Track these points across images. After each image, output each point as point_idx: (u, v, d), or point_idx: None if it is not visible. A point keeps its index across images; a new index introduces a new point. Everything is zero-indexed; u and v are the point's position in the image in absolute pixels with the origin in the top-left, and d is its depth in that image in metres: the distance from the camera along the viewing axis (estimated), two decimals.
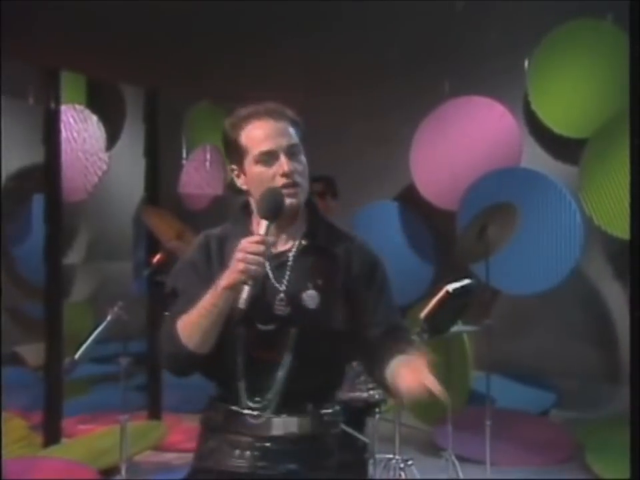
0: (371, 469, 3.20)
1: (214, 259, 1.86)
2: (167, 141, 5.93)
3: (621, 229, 4.87)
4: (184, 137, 6.69)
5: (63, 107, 5.09)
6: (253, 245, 1.68)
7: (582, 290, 5.50)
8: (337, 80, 5.94)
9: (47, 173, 4.87)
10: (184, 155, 6.67)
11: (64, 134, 5.17)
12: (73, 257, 6.27)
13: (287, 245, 1.88)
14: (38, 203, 5.18)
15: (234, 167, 1.86)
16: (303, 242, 1.87)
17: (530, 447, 4.77)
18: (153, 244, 4.97)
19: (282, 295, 1.81)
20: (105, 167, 6.10)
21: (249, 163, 1.82)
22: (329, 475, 1.83)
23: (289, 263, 1.84)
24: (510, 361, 5.39)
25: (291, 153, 1.81)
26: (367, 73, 5.90)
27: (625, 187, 4.96)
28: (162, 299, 4.24)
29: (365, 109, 5.80)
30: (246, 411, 1.82)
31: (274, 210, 1.76)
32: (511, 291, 5.34)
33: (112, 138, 6.23)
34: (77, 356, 3.31)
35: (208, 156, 6.78)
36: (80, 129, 5.91)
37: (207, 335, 1.76)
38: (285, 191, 1.80)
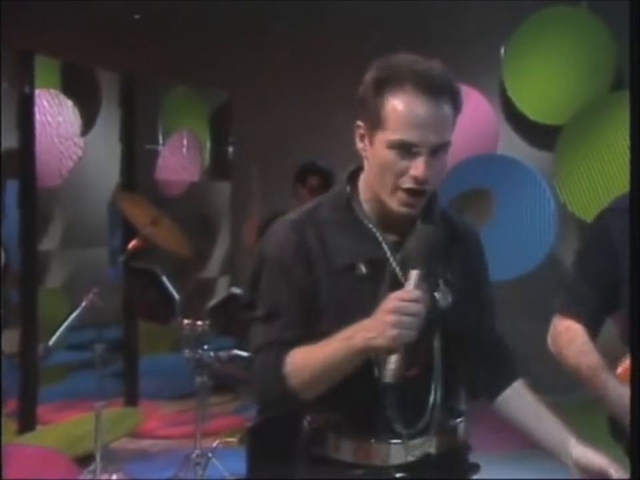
0: None
1: (317, 261, 1.47)
2: (143, 126, 5.89)
3: (594, 216, 4.92)
4: (160, 123, 6.65)
5: (37, 91, 5.03)
6: (409, 304, 1.34)
7: (556, 275, 5.55)
8: (316, 68, 5.93)
9: (22, 157, 4.82)
10: (160, 140, 6.63)
11: (38, 118, 5.11)
12: (48, 243, 6.22)
13: (402, 234, 1.52)
14: (11, 188, 5.12)
15: (361, 123, 1.48)
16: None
17: (502, 430, 4.81)
18: (129, 230, 4.94)
19: None
20: (80, 152, 6.04)
21: (381, 139, 1.44)
22: None
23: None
24: None
25: (435, 151, 1.44)
26: (345, 61, 5.89)
27: (599, 173, 5.02)
28: (138, 286, 4.20)
29: (344, 97, 5.79)
30: (394, 441, 1.49)
31: (426, 258, 1.41)
32: None
33: (87, 123, 6.18)
34: (51, 342, 3.30)
35: (185, 142, 6.75)
36: (54, 113, 5.85)
37: (324, 386, 1.44)
38: (408, 199, 1.44)
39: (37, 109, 4.98)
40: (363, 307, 1.40)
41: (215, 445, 3.79)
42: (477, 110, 5.52)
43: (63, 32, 5.62)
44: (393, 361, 1.34)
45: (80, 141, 6.04)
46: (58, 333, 3.32)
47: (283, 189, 4.41)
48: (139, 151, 5.72)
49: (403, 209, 1.46)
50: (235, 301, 3.61)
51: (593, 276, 2.02)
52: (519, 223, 5.17)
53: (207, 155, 6.92)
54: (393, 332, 1.33)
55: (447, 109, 1.45)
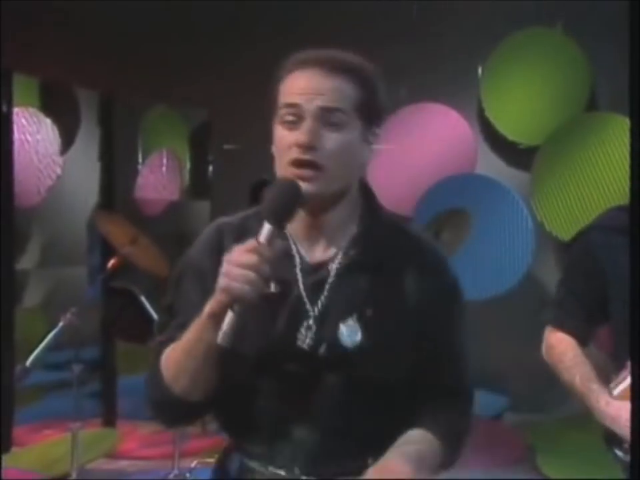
0: None
1: None
2: (123, 145, 5.88)
3: (571, 234, 4.98)
4: (139, 142, 6.64)
5: (16, 110, 5.02)
6: (243, 254, 1.21)
7: (533, 294, 5.60)
8: None
9: None
10: (139, 159, 6.62)
11: (17, 136, 5.10)
12: (26, 262, 6.18)
13: (329, 253, 1.38)
14: None
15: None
16: (352, 252, 1.37)
17: (482, 449, 4.83)
18: (107, 249, 4.92)
19: (310, 322, 1.33)
20: (58, 170, 6.02)
21: (276, 122, 1.38)
22: None
23: (329, 280, 1.35)
24: None
25: (324, 119, 1.32)
26: None
27: (575, 192, 5.09)
28: (116, 306, 4.19)
29: None
30: (275, 472, 1.36)
31: (279, 211, 1.27)
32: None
33: (66, 142, 6.16)
34: (28, 363, 3.28)
35: (164, 161, 6.74)
36: (33, 131, 5.83)
37: (196, 378, 1.31)
38: (295, 171, 1.31)
39: (15, 127, 4.97)
40: (260, 325, 1.31)
41: (193, 465, 3.76)
42: (455, 130, 5.58)
43: (42, 50, 5.61)
44: (226, 321, 1.20)
45: (59, 160, 6.01)
46: (35, 353, 3.30)
47: None
48: (118, 170, 5.71)
49: (302, 186, 1.31)
50: None
51: (579, 294, 2.02)
52: (496, 243, 5.21)
53: (187, 174, 6.91)
54: (222, 282, 1.21)
55: (341, 83, 1.32)
